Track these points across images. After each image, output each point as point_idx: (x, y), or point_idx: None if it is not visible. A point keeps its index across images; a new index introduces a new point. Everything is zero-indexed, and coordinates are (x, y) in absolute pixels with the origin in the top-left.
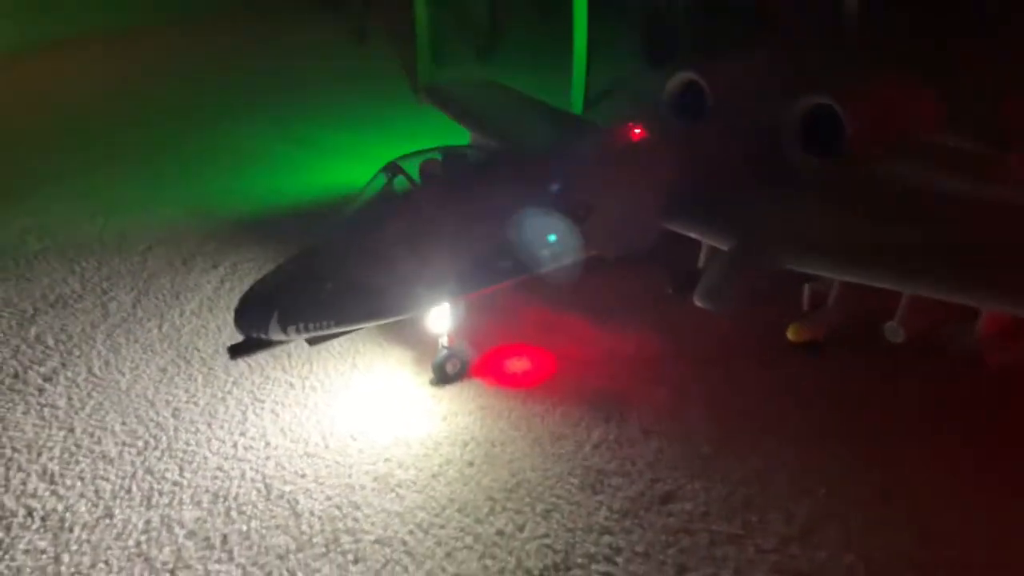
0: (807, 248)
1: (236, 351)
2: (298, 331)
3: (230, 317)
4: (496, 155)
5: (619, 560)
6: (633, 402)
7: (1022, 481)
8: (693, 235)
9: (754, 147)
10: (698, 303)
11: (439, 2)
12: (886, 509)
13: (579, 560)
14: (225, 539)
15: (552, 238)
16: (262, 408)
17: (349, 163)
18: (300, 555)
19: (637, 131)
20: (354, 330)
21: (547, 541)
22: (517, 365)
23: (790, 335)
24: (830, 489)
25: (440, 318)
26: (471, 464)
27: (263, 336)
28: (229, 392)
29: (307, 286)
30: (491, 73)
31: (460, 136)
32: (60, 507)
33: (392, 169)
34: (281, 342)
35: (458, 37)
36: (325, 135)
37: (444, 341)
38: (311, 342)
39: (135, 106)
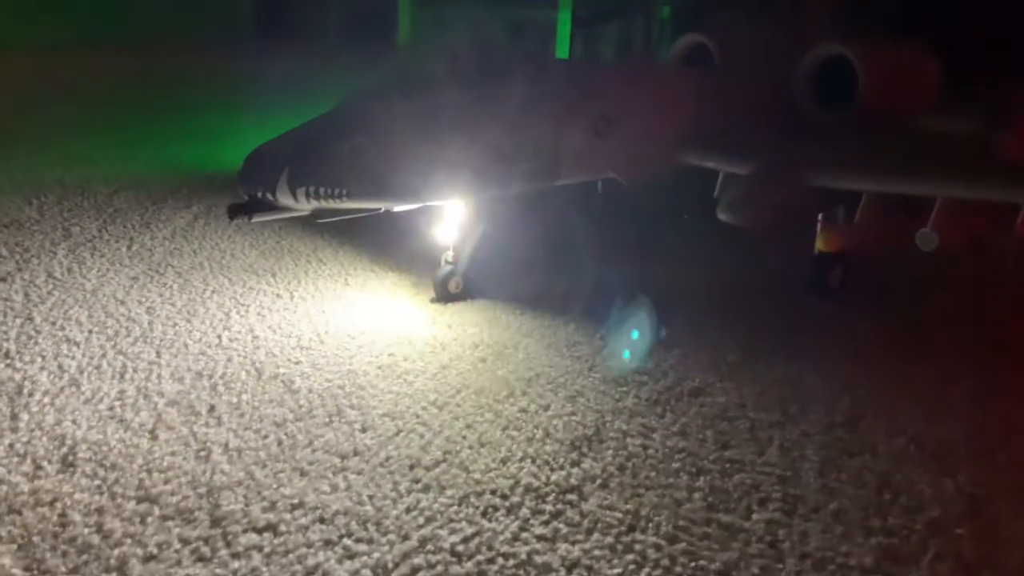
0: (830, 164)
1: (235, 211)
2: (307, 196)
3: (207, 242)
4: (529, 59)
5: (655, 436)
6: (646, 319)
7: None
8: (711, 165)
9: (766, 96)
10: (721, 216)
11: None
12: (930, 405)
13: (612, 435)
14: (212, 408)
15: (574, 146)
16: (246, 311)
17: None
18: (300, 424)
19: (654, 63)
20: (364, 211)
21: (575, 419)
22: (523, 285)
23: (819, 244)
24: (869, 390)
25: (448, 228)
26: (483, 360)
27: (269, 196)
28: (209, 297)
29: (324, 147)
30: None
31: None
32: (17, 377)
33: (428, 47)
34: (286, 211)
35: None
36: None
37: (448, 256)
38: (316, 216)
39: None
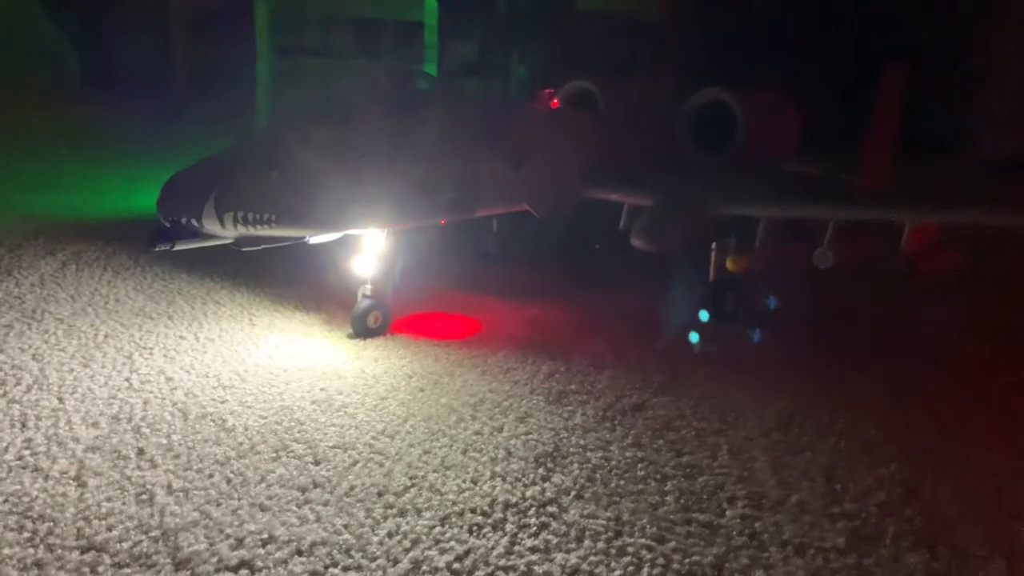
0: (732, 193)
1: (156, 238)
2: (235, 222)
3: (84, 288)
4: (449, 90)
5: (613, 448)
6: (574, 348)
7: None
8: (616, 198)
9: (654, 137)
10: (635, 243)
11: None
12: (848, 407)
13: (572, 449)
14: (141, 451)
15: (491, 178)
16: (150, 353)
17: None
18: (245, 461)
19: (554, 100)
20: (288, 240)
21: (532, 437)
22: (441, 325)
23: (730, 265)
24: (791, 398)
25: (366, 260)
26: (422, 390)
27: (194, 222)
28: (103, 342)
29: (251, 172)
30: None
31: None
32: None
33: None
34: (209, 238)
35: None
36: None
37: (367, 290)
38: (240, 244)
39: None
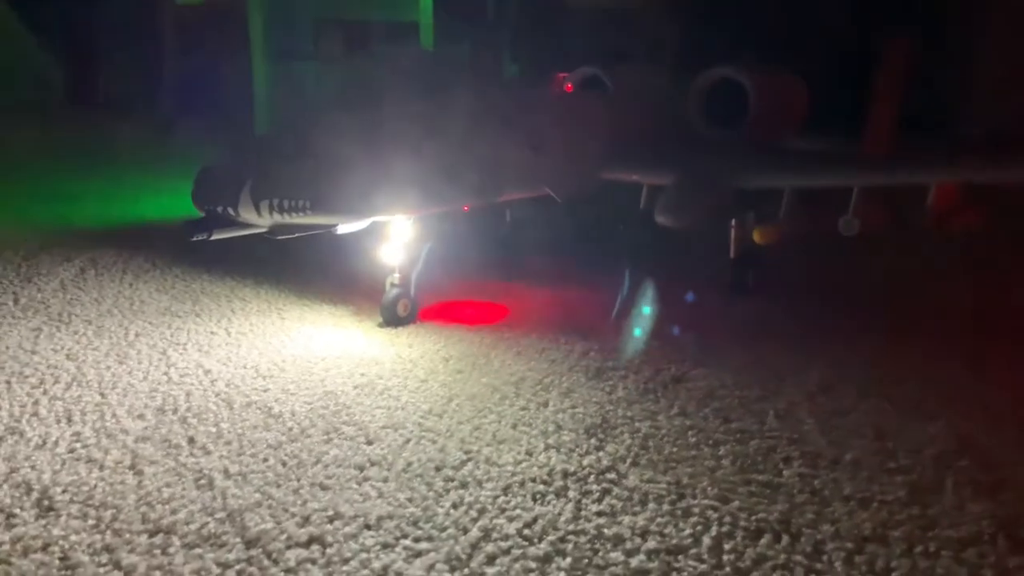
0: (752, 166)
1: (192, 228)
2: (271, 209)
3: (107, 291)
4: (469, 74)
5: (660, 418)
6: (604, 328)
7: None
8: (635, 178)
9: (666, 117)
10: (660, 220)
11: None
12: (887, 369)
13: (620, 421)
14: (192, 440)
15: (514, 162)
16: (184, 349)
17: None
18: (297, 444)
19: (569, 85)
20: (320, 228)
21: (579, 411)
22: (468, 312)
23: (757, 237)
24: (827, 364)
25: (393, 249)
26: (460, 372)
27: (231, 211)
28: (135, 340)
29: (284, 161)
30: None
31: None
32: None
33: (373, 58)
34: (245, 227)
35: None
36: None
37: (395, 278)
38: (274, 233)
39: None
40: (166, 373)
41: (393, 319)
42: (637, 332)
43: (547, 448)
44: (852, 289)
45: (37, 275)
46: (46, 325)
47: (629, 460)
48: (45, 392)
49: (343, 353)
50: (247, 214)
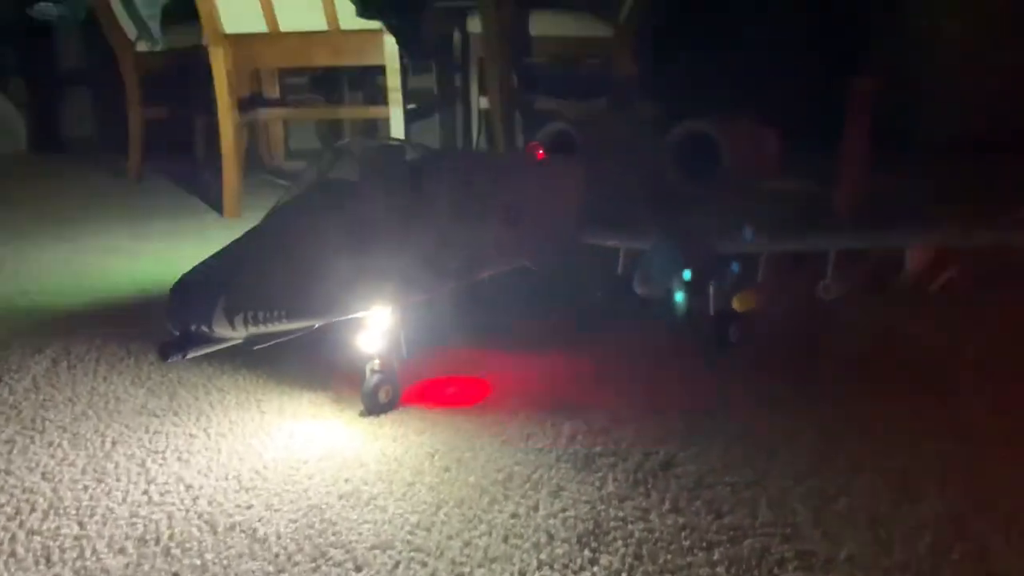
0: (727, 229)
1: (168, 350)
2: (246, 323)
3: (81, 388)
4: (438, 155)
5: (652, 517)
6: (590, 402)
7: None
8: (611, 243)
9: (641, 173)
10: (638, 291)
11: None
12: (876, 441)
13: (612, 524)
14: None
15: (490, 241)
16: (164, 459)
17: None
18: (285, 574)
19: (541, 152)
20: (300, 331)
21: (570, 515)
22: (452, 391)
23: (737, 305)
24: (813, 436)
25: (372, 337)
26: (447, 470)
27: (205, 329)
28: (112, 450)
29: (256, 270)
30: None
31: None
32: None
33: (341, 152)
34: (222, 341)
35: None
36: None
37: (375, 364)
38: (252, 343)
39: None
40: (146, 491)
41: (375, 407)
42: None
43: (540, 566)
44: (841, 347)
45: (8, 372)
46: (20, 436)
47: (625, 573)
48: (22, 525)
49: (325, 453)
50: (222, 330)
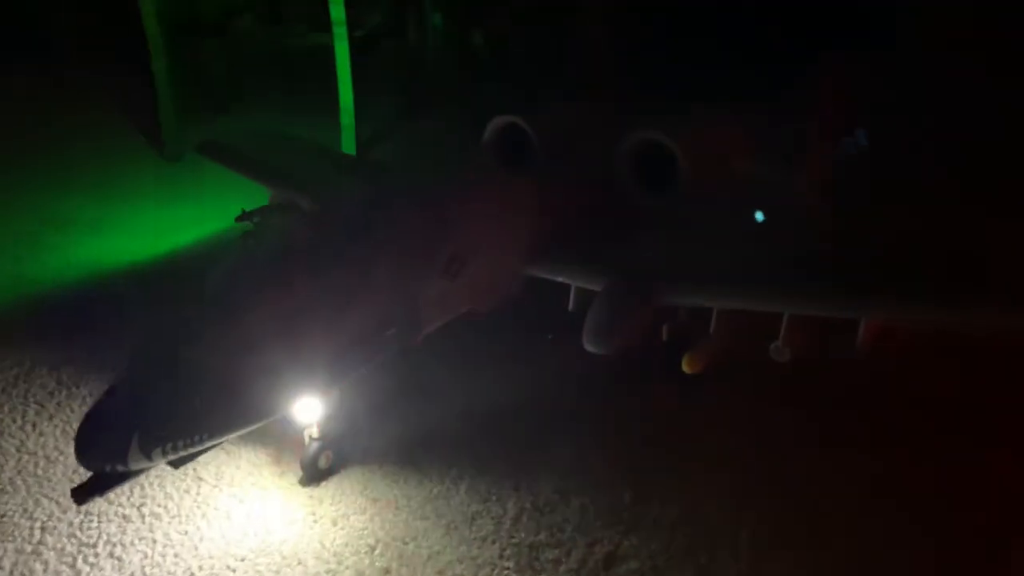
0: (681, 279)
1: (82, 494)
2: (165, 453)
3: (8, 444)
4: (361, 212)
5: None
6: (535, 463)
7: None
8: (561, 279)
9: (595, 187)
10: (588, 347)
11: (173, 52)
12: (822, 525)
13: None
14: None
15: (430, 298)
16: (96, 555)
17: (103, 239)
18: None
19: (488, 180)
20: (227, 439)
21: None
22: (396, 440)
23: (686, 367)
24: (760, 516)
25: (309, 406)
26: (387, 571)
27: (120, 467)
28: (40, 543)
29: (167, 393)
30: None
31: (236, 192)
32: None
33: (245, 240)
34: (141, 472)
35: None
36: (72, 209)
37: (313, 432)
38: (175, 464)
39: None
40: None
41: (315, 475)
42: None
43: None
44: (791, 396)
45: None
46: None
47: None
48: None
49: (262, 545)
50: (139, 465)
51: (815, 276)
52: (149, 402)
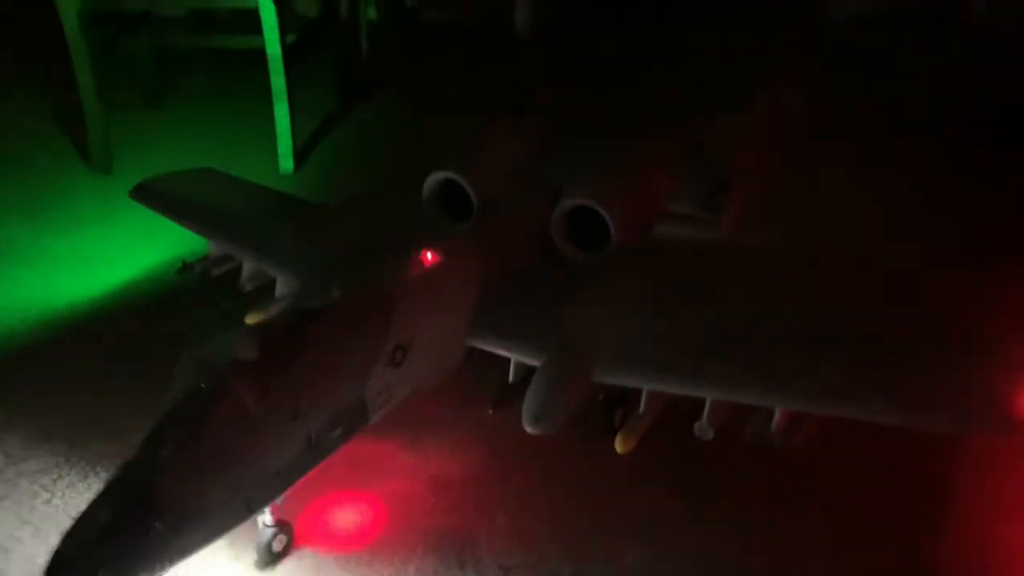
0: (616, 358)
1: None
2: None
3: None
4: (301, 315)
5: None
6: (480, 537)
7: None
8: (502, 352)
9: (532, 243)
10: (528, 429)
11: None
12: None
13: None
14: None
15: (374, 390)
16: None
17: (39, 270)
18: None
19: (430, 255)
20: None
21: None
22: (345, 519)
23: (619, 447)
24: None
25: None
26: None
27: None
28: None
29: (132, 529)
30: (173, 124)
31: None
32: None
33: (192, 363)
34: None
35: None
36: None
37: (267, 519)
38: None
39: None
40: None
41: (269, 559)
42: None
43: None
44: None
45: None
46: None
47: None
48: None
49: None
50: None
51: (736, 357)
52: (110, 539)
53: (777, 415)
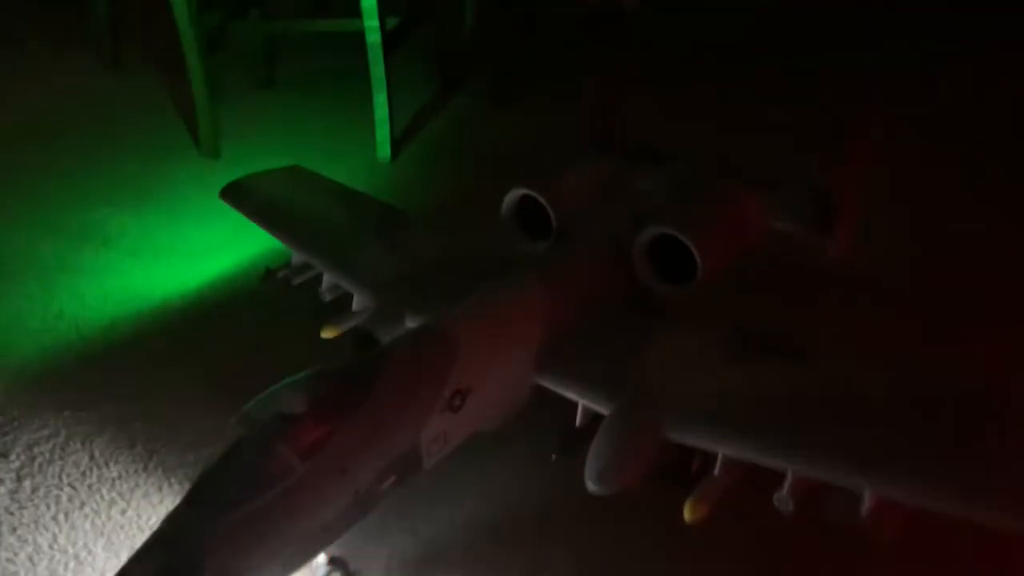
0: (693, 416)
1: None
2: None
3: (42, 538)
4: (360, 365)
5: None
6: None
7: None
8: (569, 395)
9: (610, 274)
10: (591, 488)
11: (205, 34)
12: None
13: None
14: None
15: (432, 435)
16: None
17: (143, 260)
18: None
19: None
20: None
21: None
22: None
23: (688, 515)
24: None
25: None
26: None
27: None
28: None
29: None
30: (278, 107)
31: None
32: None
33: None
34: None
35: (232, 67)
36: (103, 219)
37: (322, 559)
38: None
39: None
40: None
41: None
42: None
43: None
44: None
45: None
46: None
47: None
48: None
49: None
50: None
51: (830, 425)
52: None
53: (867, 497)
